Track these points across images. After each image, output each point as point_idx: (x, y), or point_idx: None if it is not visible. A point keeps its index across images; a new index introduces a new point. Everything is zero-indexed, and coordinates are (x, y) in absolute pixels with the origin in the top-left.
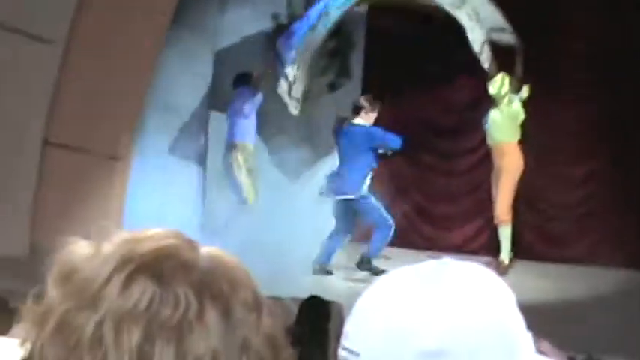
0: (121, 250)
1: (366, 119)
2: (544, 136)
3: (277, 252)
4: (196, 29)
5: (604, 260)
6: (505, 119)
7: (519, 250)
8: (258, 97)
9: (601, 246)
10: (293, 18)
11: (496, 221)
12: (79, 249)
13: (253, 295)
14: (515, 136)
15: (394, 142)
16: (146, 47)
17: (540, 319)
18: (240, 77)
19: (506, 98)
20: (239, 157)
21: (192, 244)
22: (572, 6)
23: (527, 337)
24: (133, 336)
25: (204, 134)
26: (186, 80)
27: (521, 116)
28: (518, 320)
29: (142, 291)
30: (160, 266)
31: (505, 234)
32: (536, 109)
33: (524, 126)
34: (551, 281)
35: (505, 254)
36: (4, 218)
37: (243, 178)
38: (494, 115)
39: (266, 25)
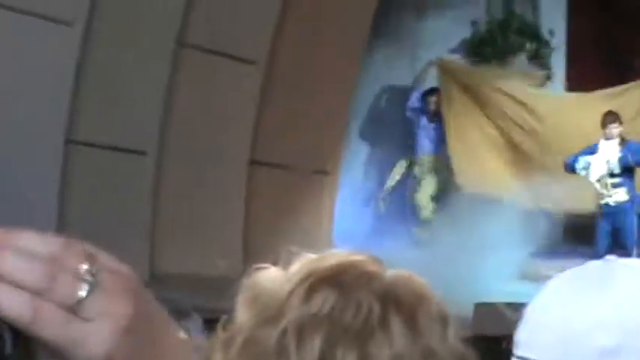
0: (305, 268)
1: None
2: None
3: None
4: (395, 38)
5: None
6: None
7: None
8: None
9: None
10: (492, 24)
11: None
12: (266, 273)
13: (438, 308)
14: None
15: None
16: (347, 61)
17: None
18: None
19: None
20: (418, 171)
21: (377, 260)
22: None
23: None
24: (315, 342)
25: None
26: (388, 90)
27: None
28: None
29: (324, 298)
30: (342, 276)
31: None
32: None
33: None
34: None
35: None
36: (217, 239)
37: (421, 194)
38: None
39: (465, 32)
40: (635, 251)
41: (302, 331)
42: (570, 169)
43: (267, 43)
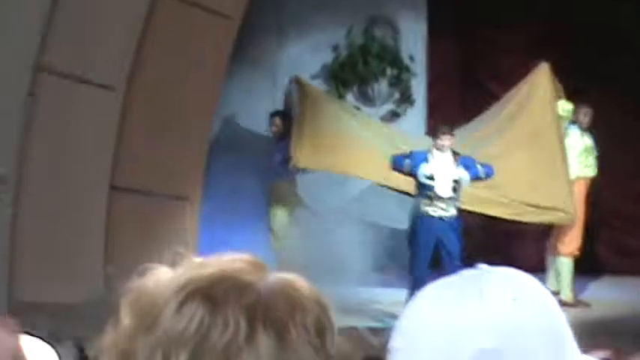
0: (185, 275)
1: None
2: (613, 149)
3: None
4: (256, 64)
5: None
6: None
7: (594, 266)
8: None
9: None
10: (353, 49)
11: (559, 253)
12: (152, 274)
13: (316, 319)
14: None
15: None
16: (207, 87)
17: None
18: (276, 113)
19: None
20: (273, 197)
21: (258, 268)
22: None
23: (572, 336)
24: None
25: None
26: (249, 117)
27: (579, 148)
28: (564, 320)
29: (192, 315)
30: (213, 289)
31: (568, 267)
32: (604, 121)
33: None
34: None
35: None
36: (76, 265)
37: (276, 222)
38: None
39: (326, 57)
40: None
41: (169, 348)
42: (407, 169)
43: (127, 69)
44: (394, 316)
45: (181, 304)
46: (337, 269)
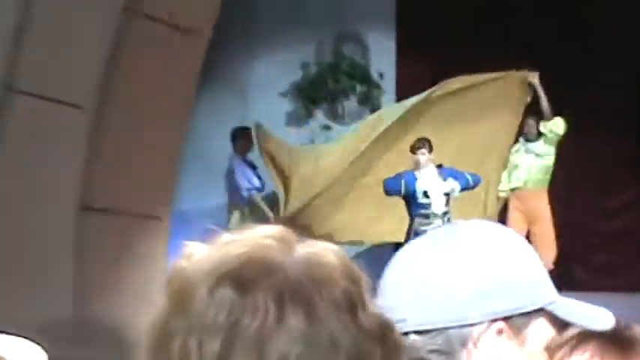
0: (215, 255)
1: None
2: (579, 167)
3: None
4: (226, 82)
5: None
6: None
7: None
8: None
9: None
10: (322, 66)
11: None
12: (187, 252)
13: (344, 292)
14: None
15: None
16: (177, 106)
17: None
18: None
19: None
20: (236, 214)
21: (286, 244)
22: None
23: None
24: (214, 347)
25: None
26: (220, 136)
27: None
28: (539, 260)
29: (222, 301)
30: (242, 273)
31: None
32: (571, 141)
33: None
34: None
35: None
36: (47, 290)
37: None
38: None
39: (296, 75)
40: None
41: (202, 335)
42: (404, 190)
43: (96, 88)
44: None
45: (212, 290)
46: None
